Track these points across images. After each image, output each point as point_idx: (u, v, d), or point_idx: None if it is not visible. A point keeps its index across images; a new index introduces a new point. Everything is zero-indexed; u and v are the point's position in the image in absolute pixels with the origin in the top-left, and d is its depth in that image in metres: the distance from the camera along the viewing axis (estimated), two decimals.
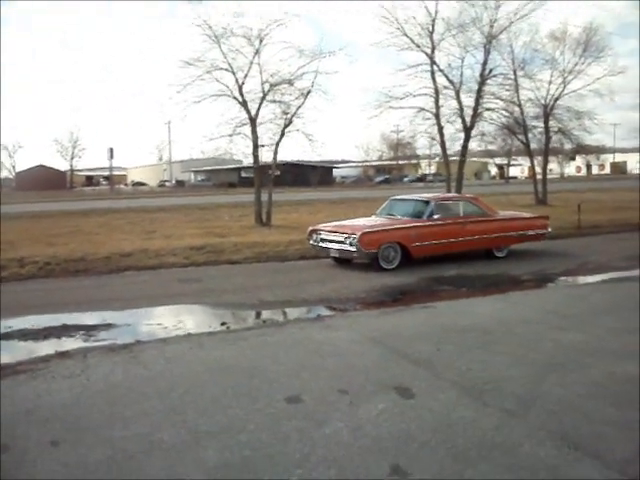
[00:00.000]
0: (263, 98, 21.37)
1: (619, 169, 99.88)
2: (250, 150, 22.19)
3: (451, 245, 13.31)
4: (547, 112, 30.90)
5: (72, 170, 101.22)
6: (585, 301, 9.41)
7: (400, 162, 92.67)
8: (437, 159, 62.42)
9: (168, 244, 16.21)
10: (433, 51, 24.65)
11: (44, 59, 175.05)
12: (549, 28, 38.19)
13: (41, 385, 5.70)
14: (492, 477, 3.81)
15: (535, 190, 32.44)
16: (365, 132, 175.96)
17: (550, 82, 31.00)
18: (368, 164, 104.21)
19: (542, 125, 31.48)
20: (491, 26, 25.83)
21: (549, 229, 15.16)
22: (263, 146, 22.19)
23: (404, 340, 7.01)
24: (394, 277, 11.71)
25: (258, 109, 21.44)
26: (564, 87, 30.88)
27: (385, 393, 5.26)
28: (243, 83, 21.24)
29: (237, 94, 21.23)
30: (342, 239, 12.61)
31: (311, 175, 75.01)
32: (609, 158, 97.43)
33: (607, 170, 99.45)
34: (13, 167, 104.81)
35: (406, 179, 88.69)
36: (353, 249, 12.32)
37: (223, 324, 8.37)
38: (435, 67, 24.81)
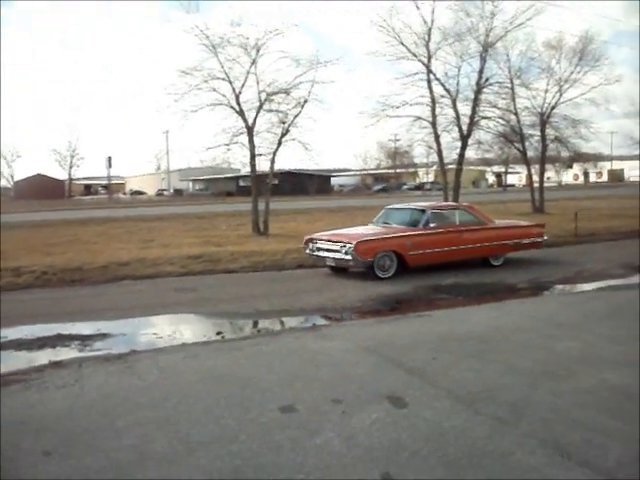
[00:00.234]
0: (260, 107, 21.47)
1: (616, 177, 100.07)
2: (248, 159, 22.27)
3: (447, 254, 13.32)
4: (544, 120, 31.06)
5: (70, 179, 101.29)
6: (580, 309, 9.42)
7: (398, 171, 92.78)
8: (435, 167, 62.56)
9: (165, 253, 16.22)
10: (429, 60, 24.82)
11: (43, 63, 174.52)
12: (545, 37, 38.54)
13: (34, 395, 5.70)
14: None
15: (532, 198, 32.53)
16: (363, 141, 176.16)
17: (546, 90, 31.27)
18: (366, 172, 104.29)
19: (539, 133, 31.65)
20: (487, 35, 26.01)
21: (545, 237, 15.17)
22: (260, 155, 22.29)
23: (399, 349, 7.02)
24: (390, 286, 11.73)
25: (255, 118, 21.56)
26: (560, 95, 31.13)
27: (378, 402, 5.27)
28: (240, 92, 21.36)
29: (234, 103, 21.35)
30: (338, 248, 12.62)
31: (309, 184, 75.08)
32: (606, 166, 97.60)
33: (604, 178, 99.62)
34: (12, 176, 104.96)
35: (404, 187, 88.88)
36: (349, 258, 12.33)
37: (218, 334, 8.37)
38: (431, 76, 24.98)
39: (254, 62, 21.19)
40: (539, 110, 31.11)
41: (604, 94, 30.81)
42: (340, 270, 13.19)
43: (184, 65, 20.77)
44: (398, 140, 46.82)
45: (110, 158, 73.60)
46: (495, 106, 26.94)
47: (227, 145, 21.48)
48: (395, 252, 12.61)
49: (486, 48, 26.14)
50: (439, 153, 26.07)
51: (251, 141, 21.57)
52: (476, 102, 25.78)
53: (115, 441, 4.60)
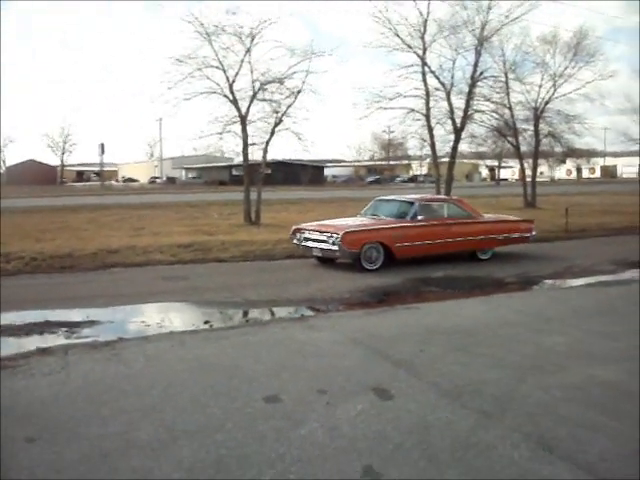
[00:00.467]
0: (253, 96, 21.40)
1: (609, 173, 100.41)
2: (240, 148, 22.19)
3: (434, 246, 13.32)
4: (537, 115, 31.08)
5: (63, 165, 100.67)
6: (568, 304, 9.46)
7: (391, 163, 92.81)
8: (428, 160, 62.53)
9: (156, 241, 16.18)
10: (424, 52, 24.70)
11: (40, 57, 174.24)
12: (540, 31, 38.50)
13: (20, 382, 5.68)
14: (464, 478, 3.83)
15: (524, 193, 32.60)
16: (357, 132, 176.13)
17: (540, 85, 31.28)
18: (360, 164, 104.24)
19: (532, 128, 31.68)
20: (482, 28, 25.93)
21: (534, 233, 15.16)
22: (253, 144, 22.22)
23: (386, 341, 7.03)
24: (379, 278, 11.74)
25: (248, 107, 21.48)
26: (554, 90, 31.14)
27: (364, 394, 5.28)
28: (234, 81, 21.28)
29: (228, 92, 21.26)
30: (325, 238, 12.60)
31: (302, 174, 75.05)
32: (600, 162, 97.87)
33: (597, 174, 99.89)
34: (3, 161, 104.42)
35: (398, 179, 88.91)
36: (336, 248, 12.31)
37: (206, 322, 8.37)
38: (426, 68, 24.86)
39: (248, 51, 21.11)
40: (533, 105, 31.15)
41: (598, 90, 30.94)
42: (328, 261, 13.19)
43: (178, 53, 20.62)
44: (392, 132, 46.61)
45: (103, 145, 73.21)
46: (489, 100, 26.92)
47: (220, 134, 21.42)
48: (382, 244, 12.60)
49: (481, 42, 26.09)
50: (432, 146, 26.02)
51: (244, 130, 21.50)
52: (470, 95, 25.74)
53: (100, 428, 4.59)
